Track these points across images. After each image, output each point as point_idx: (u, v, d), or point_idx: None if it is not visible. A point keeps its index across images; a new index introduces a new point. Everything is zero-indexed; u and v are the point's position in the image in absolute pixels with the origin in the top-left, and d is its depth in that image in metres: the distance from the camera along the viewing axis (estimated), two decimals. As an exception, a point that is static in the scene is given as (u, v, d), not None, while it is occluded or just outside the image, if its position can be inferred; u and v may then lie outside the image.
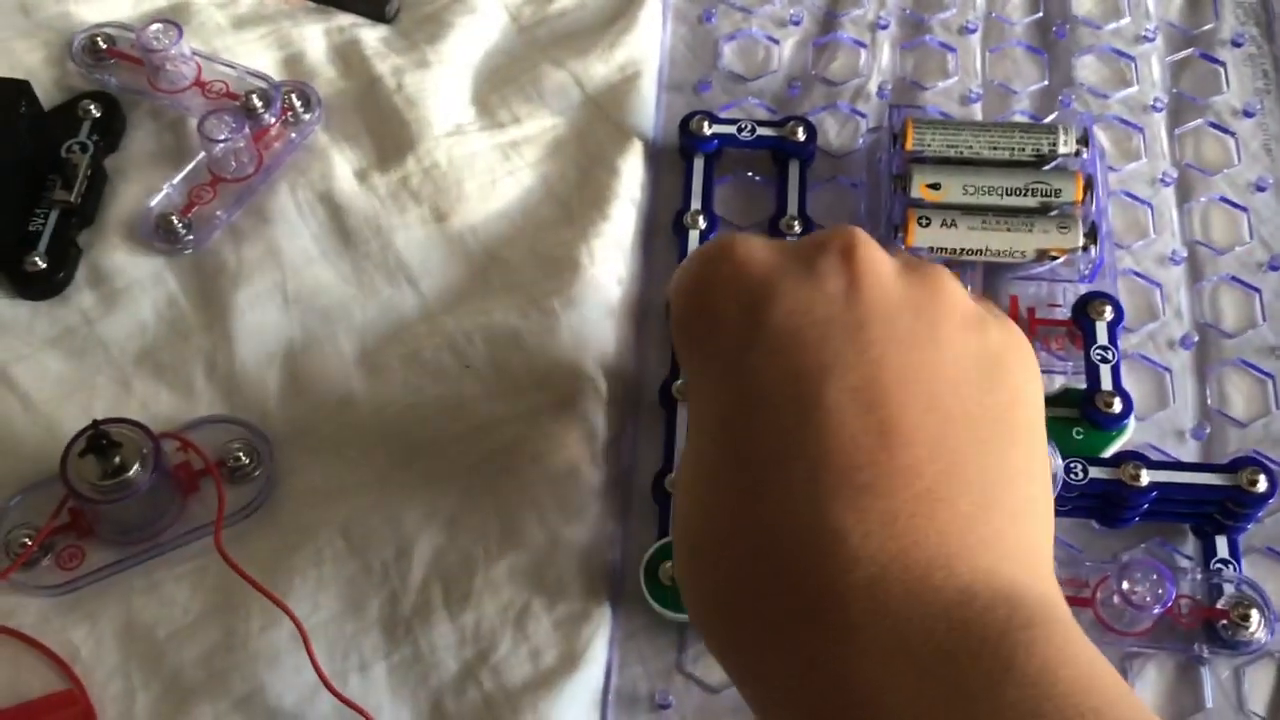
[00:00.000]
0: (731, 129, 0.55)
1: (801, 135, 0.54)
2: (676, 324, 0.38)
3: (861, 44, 0.60)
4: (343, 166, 0.54)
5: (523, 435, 0.48)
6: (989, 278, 0.53)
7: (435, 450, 0.48)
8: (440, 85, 0.56)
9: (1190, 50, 0.59)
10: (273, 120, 0.54)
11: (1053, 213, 0.51)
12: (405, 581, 0.45)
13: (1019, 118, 0.57)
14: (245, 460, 0.46)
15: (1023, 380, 0.36)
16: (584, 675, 0.44)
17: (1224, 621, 0.43)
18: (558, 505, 0.47)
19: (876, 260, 0.36)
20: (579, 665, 0.44)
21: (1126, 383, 0.50)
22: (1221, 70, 0.58)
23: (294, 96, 0.55)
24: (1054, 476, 0.42)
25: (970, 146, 0.53)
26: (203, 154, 0.53)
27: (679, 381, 0.49)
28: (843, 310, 0.34)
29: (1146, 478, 0.44)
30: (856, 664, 0.30)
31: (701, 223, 0.53)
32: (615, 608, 0.46)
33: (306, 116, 0.54)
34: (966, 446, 0.33)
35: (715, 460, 0.34)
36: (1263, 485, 0.44)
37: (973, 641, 0.29)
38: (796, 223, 0.53)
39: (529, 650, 0.44)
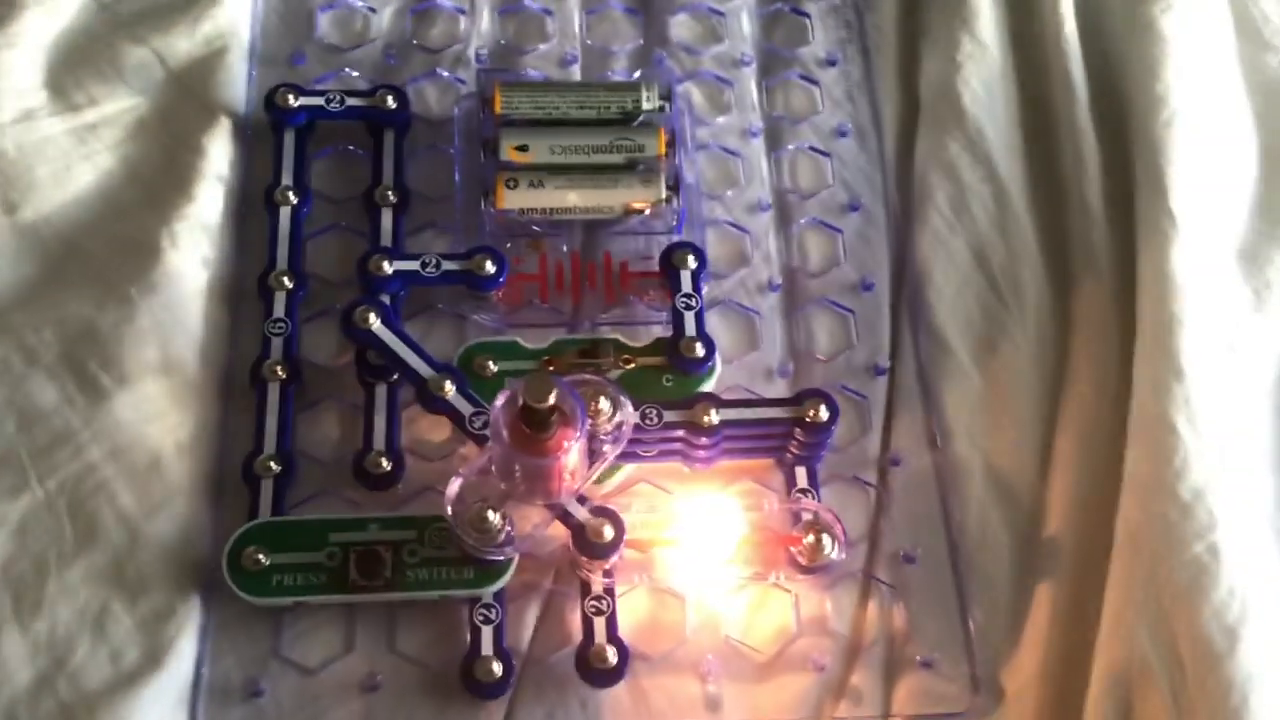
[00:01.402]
0: (319, 100, 0.54)
1: (392, 103, 0.54)
2: None
3: (461, 10, 0.59)
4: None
5: (100, 432, 0.46)
6: (588, 235, 0.53)
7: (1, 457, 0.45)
8: (5, 69, 0.52)
9: (778, 5, 0.61)
10: None
11: (639, 168, 0.52)
12: (-33, 596, 0.43)
13: (617, 79, 0.58)
14: None
15: None
16: (168, 672, 0.43)
17: (798, 547, 0.45)
18: (138, 501, 0.45)
19: None
20: (163, 663, 0.43)
21: (719, 328, 0.52)
22: (808, 22, 0.60)
23: None
24: (623, 425, 0.43)
25: (558, 107, 0.53)
26: None
27: (269, 360, 0.48)
28: None
29: (716, 417, 0.46)
30: None
31: (293, 198, 0.52)
32: (209, 599, 0.45)
33: None
34: None
35: None
36: (824, 415, 0.46)
37: None
38: (391, 193, 0.53)
39: (109, 652, 0.43)
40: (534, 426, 0.40)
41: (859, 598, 0.47)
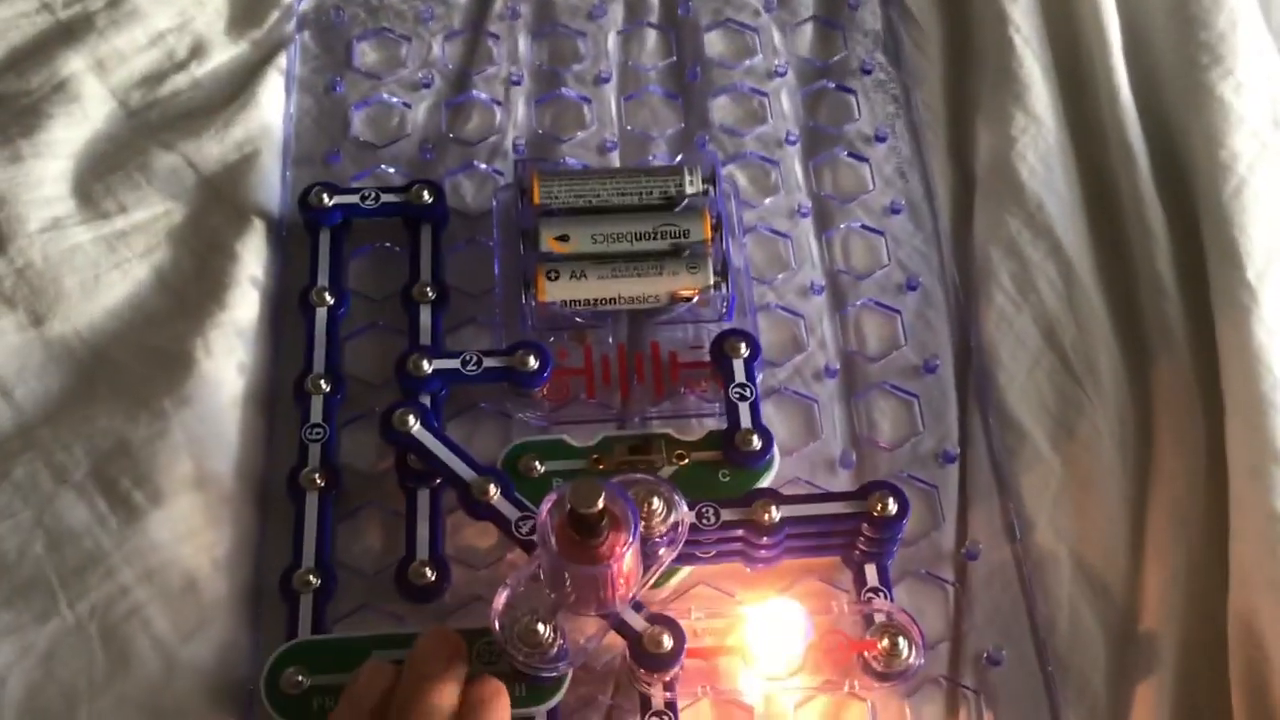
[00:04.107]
0: (354, 198, 0.52)
1: (428, 198, 0.52)
2: None
3: (496, 101, 0.58)
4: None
5: (133, 553, 0.44)
6: (634, 325, 0.51)
7: (27, 581, 0.43)
8: (34, 178, 0.52)
9: (822, 82, 0.59)
10: None
11: (685, 254, 0.50)
12: (-9, 728, 0.40)
13: (658, 163, 0.56)
14: None
15: None
16: (205, 808, 0.40)
17: (873, 652, 0.42)
18: (173, 625, 0.43)
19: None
20: (199, 799, 0.40)
21: (775, 418, 0.50)
22: (853, 99, 0.59)
23: None
24: (678, 526, 0.41)
25: (598, 195, 0.51)
26: None
27: (307, 468, 0.46)
28: None
29: (777, 514, 0.43)
30: None
31: (329, 298, 0.50)
32: (249, 727, 0.42)
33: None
34: None
35: None
36: (893, 508, 0.43)
37: None
38: (429, 289, 0.51)
39: (143, 789, 0.40)
40: (583, 533, 0.37)
41: (943, 705, 0.44)
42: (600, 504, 0.36)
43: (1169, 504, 0.45)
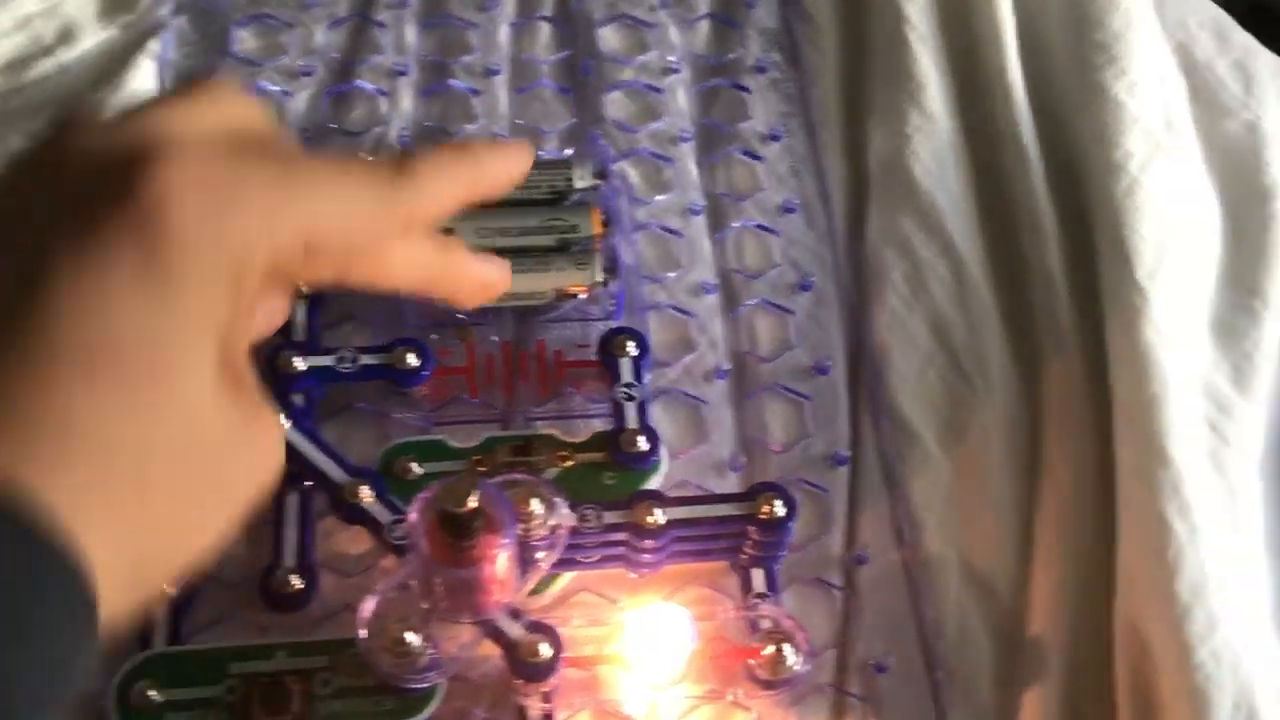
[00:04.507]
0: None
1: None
2: None
3: (382, 92, 0.56)
4: None
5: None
6: (519, 323, 0.50)
7: None
8: None
9: (717, 79, 0.58)
10: None
11: (573, 250, 0.49)
12: None
13: (548, 158, 0.54)
14: None
15: None
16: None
17: (758, 660, 0.41)
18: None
19: None
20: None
21: (664, 420, 0.48)
22: (748, 97, 0.58)
23: None
24: (558, 529, 0.39)
25: (484, 188, 0.50)
26: None
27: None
28: None
29: (662, 516, 0.41)
30: None
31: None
32: (95, 743, 0.39)
33: None
34: None
35: None
36: (780, 510, 0.42)
37: None
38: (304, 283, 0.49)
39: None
40: (455, 534, 0.35)
41: (828, 714, 0.42)
42: (472, 503, 0.34)
43: (1058, 506, 0.45)
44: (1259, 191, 0.52)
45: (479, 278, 0.38)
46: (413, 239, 0.34)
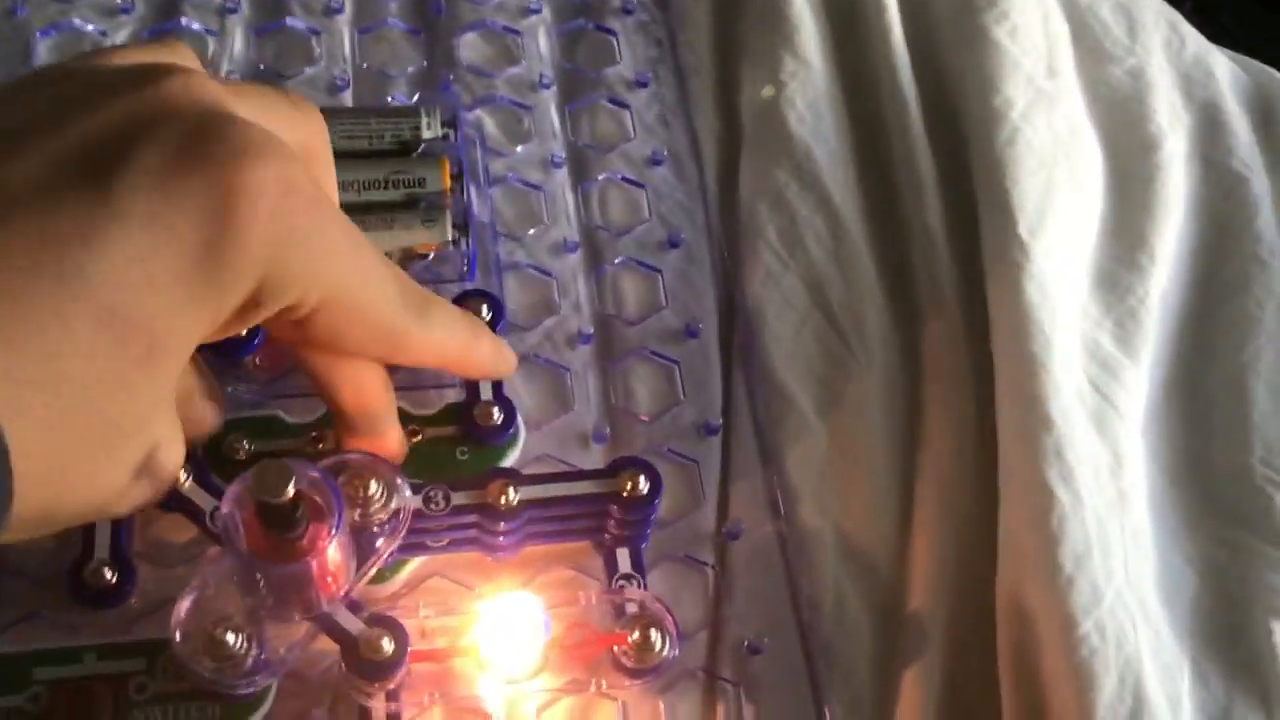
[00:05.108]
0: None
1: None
2: None
3: (210, 31, 0.51)
4: None
5: None
6: (365, 286, 0.45)
7: None
8: None
9: (580, 21, 0.54)
10: None
11: (421, 205, 0.45)
12: None
13: (394, 105, 0.50)
14: None
15: None
16: None
17: (623, 647, 0.38)
18: None
19: None
20: None
21: (523, 389, 0.45)
22: (614, 40, 0.54)
23: None
24: (400, 512, 0.35)
25: (322, 137, 0.45)
26: None
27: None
28: None
29: (515, 496, 0.38)
30: None
31: None
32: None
33: None
34: None
35: None
36: (644, 487, 0.39)
37: None
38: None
39: None
40: (275, 526, 0.31)
41: (700, 700, 0.40)
42: (291, 491, 0.31)
43: (938, 475, 0.43)
44: (1143, 140, 0.50)
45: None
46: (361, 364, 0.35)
